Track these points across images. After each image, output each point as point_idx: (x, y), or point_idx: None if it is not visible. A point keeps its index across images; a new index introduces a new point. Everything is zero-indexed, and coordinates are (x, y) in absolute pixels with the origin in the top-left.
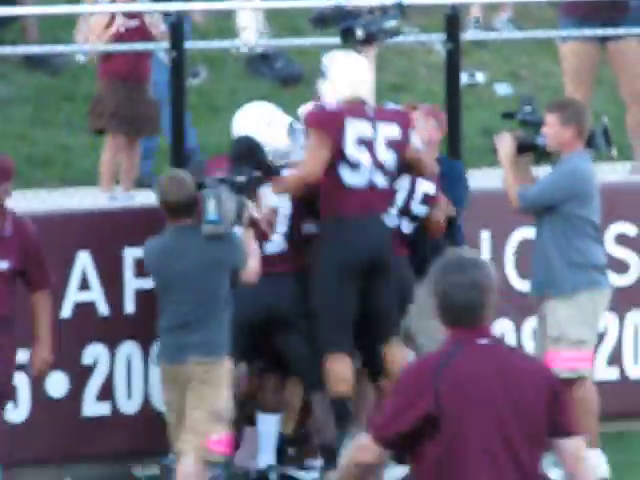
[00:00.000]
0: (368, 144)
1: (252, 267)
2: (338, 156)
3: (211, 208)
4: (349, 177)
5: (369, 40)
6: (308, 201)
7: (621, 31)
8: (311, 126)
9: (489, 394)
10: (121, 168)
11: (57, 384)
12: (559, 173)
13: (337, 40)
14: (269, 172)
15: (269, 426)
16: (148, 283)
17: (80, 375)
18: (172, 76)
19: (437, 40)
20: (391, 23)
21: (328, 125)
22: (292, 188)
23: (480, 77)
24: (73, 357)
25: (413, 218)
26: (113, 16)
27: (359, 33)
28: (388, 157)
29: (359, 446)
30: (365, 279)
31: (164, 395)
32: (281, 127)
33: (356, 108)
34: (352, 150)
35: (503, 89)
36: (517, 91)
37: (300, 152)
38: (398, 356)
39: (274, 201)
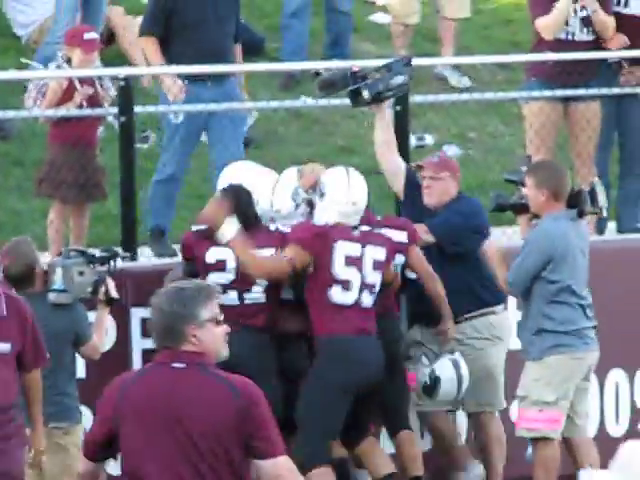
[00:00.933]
0: (356, 264)
1: (95, 343)
2: (328, 277)
3: (57, 277)
4: (339, 296)
5: (377, 100)
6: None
7: (580, 92)
8: (293, 242)
9: (165, 415)
10: (71, 234)
11: None
12: (528, 244)
13: (287, 103)
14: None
15: None
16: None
17: None
18: (121, 141)
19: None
20: (399, 79)
21: (312, 246)
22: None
23: (429, 139)
24: None
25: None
26: (70, 83)
27: (365, 95)
28: (375, 278)
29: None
30: (356, 398)
31: None
32: (286, 191)
33: (345, 230)
34: (341, 269)
35: (452, 151)
36: (466, 153)
37: (299, 218)
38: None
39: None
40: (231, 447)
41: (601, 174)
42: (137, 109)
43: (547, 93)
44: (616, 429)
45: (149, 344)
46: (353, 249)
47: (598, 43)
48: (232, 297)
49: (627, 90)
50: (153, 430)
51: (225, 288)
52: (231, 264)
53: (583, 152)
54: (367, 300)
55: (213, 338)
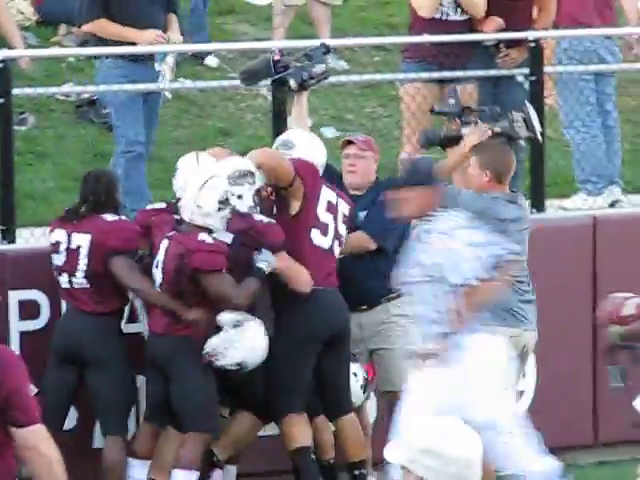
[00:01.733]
0: (333, 211)
1: None
2: (313, 217)
3: None
4: (318, 239)
5: (302, 88)
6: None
7: (458, 73)
8: (297, 169)
9: None
10: None
11: None
12: (461, 195)
13: (165, 85)
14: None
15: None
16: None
17: None
18: None
19: (263, 85)
20: (320, 67)
21: (306, 176)
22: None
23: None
24: None
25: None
26: None
27: (292, 84)
28: (343, 230)
29: None
30: (323, 349)
31: None
32: (215, 191)
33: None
34: (322, 213)
35: (330, 132)
36: (343, 134)
37: (217, 220)
38: (350, 433)
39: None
40: None
41: None
42: (15, 91)
43: (424, 75)
44: None
45: (27, 326)
46: (332, 196)
47: (473, 24)
48: (64, 280)
49: (504, 72)
50: None
51: (59, 270)
52: (62, 247)
53: None
54: (337, 251)
55: None
